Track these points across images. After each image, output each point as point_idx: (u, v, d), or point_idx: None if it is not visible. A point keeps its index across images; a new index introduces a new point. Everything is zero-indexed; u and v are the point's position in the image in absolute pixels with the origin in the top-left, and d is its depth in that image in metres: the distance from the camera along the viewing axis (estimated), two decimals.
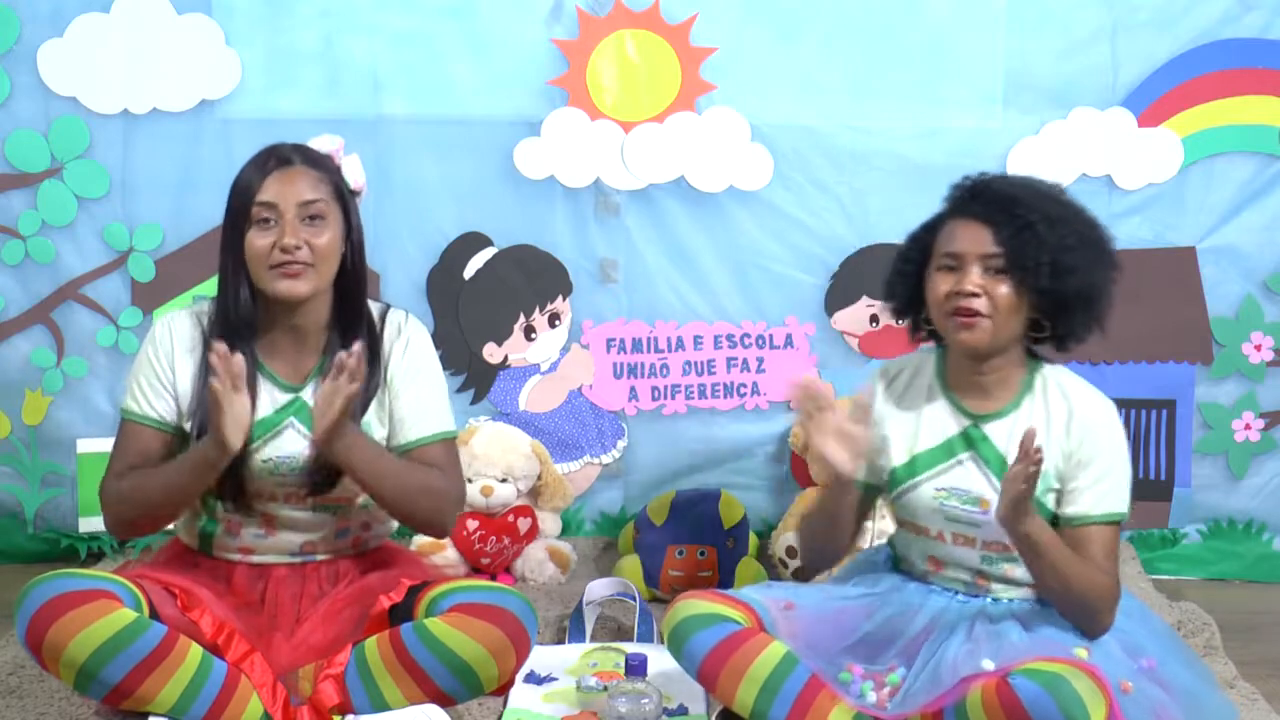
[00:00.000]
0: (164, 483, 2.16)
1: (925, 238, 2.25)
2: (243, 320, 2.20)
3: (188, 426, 2.23)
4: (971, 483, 2.20)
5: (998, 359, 2.20)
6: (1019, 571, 2.20)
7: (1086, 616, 2.13)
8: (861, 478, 2.25)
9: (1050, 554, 2.08)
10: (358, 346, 2.10)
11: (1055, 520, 2.17)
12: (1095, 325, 2.21)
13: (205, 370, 2.17)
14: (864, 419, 2.15)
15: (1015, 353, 2.22)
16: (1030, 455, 1.99)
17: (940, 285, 2.17)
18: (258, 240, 2.16)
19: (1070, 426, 2.17)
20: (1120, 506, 2.17)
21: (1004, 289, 2.13)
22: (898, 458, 2.26)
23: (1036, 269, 2.12)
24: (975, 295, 2.13)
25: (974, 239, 2.14)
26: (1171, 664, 2.16)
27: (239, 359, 2.08)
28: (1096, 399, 2.21)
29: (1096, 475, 2.15)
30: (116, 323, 3.27)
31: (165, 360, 2.24)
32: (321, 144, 2.27)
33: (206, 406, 2.12)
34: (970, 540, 2.21)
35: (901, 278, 2.28)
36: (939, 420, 2.25)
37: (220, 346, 2.08)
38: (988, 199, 2.17)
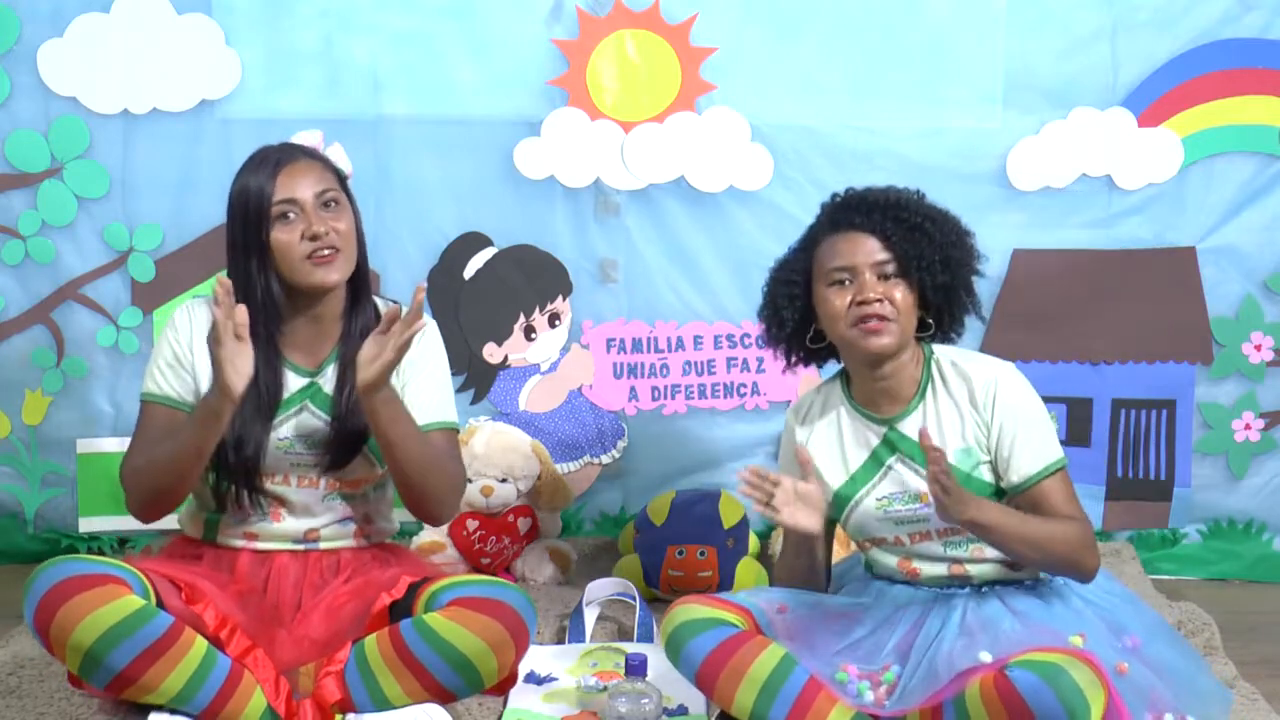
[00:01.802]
0: (173, 446, 2.17)
1: (803, 257, 2.29)
2: (273, 311, 2.24)
3: None
4: (906, 482, 2.25)
5: (896, 361, 2.24)
6: (989, 550, 2.22)
7: (1071, 567, 2.17)
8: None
9: (1009, 528, 2.11)
10: (418, 295, 2.11)
11: (1000, 492, 2.21)
12: (973, 313, 2.28)
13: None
14: (809, 473, 2.21)
15: (911, 350, 2.27)
16: (932, 452, 2.03)
17: (835, 300, 2.21)
18: (284, 236, 2.20)
19: (975, 399, 2.22)
20: (1057, 453, 2.21)
21: (899, 292, 2.19)
22: (836, 482, 2.30)
23: (930, 266, 2.19)
24: (879, 301, 2.17)
25: (862, 249, 2.20)
26: (1156, 644, 2.17)
27: (242, 308, 2.11)
28: (991, 364, 2.26)
29: (1022, 436, 2.19)
30: (116, 323, 3.28)
31: (185, 344, 2.28)
32: (302, 140, 2.33)
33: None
34: (925, 534, 2.25)
35: (790, 300, 2.30)
36: (859, 436, 2.30)
37: (226, 282, 2.10)
38: (867, 209, 2.22)
